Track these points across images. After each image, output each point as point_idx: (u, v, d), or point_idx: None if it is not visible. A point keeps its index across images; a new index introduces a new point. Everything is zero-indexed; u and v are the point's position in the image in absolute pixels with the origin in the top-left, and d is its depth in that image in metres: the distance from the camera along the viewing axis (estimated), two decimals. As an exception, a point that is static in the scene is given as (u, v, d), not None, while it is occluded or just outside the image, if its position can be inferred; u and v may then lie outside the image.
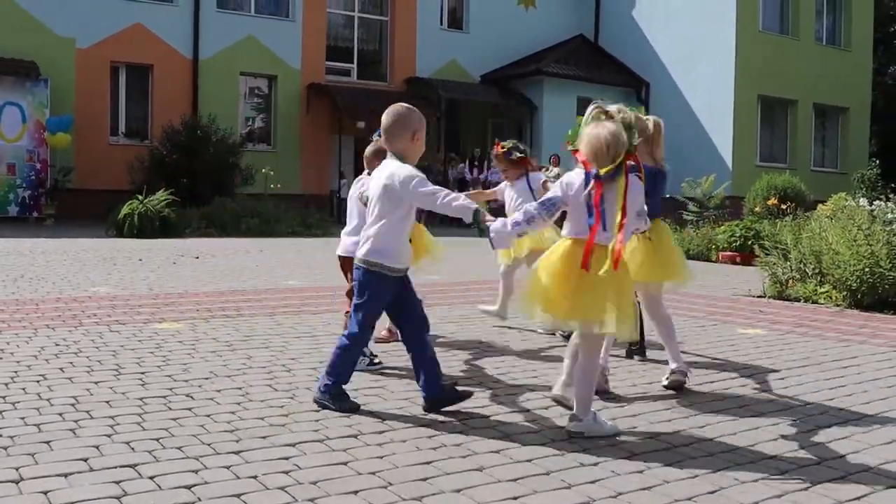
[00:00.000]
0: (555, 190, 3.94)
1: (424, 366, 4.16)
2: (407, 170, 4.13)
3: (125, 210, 15.72)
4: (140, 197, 16.11)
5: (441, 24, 26.40)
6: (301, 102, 23.75)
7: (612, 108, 4.06)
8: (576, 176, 3.87)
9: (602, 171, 3.75)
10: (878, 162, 23.08)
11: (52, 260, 10.86)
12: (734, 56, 24.33)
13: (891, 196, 11.75)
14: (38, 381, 4.51)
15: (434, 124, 25.34)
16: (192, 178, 18.79)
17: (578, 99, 26.09)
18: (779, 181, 18.21)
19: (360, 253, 4.20)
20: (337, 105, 23.08)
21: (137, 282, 8.91)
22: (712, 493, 3.13)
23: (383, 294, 4.18)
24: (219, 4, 22.94)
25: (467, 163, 24.70)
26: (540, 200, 4.01)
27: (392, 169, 4.19)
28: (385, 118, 4.39)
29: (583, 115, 4.14)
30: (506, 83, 26.34)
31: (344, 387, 4.17)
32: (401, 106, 4.42)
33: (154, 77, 22.22)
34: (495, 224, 3.90)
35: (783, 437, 3.85)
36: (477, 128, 27.49)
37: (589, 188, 3.77)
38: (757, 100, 25.25)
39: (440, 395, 4.15)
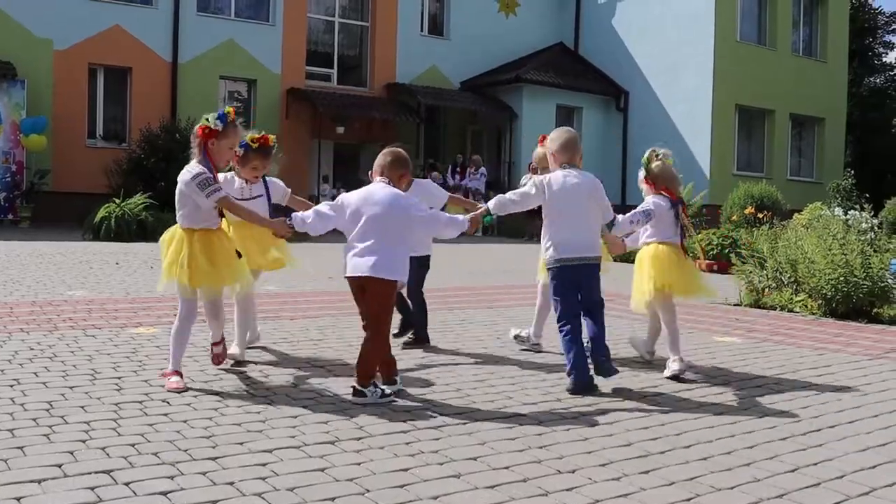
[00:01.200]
0: (648, 205, 5.57)
1: None
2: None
3: (102, 213, 15.61)
4: (117, 200, 16.00)
5: (421, 30, 26.43)
6: (281, 107, 23.69)
7: (663, 151, 5.93)
8: (661, 200, 5.60)
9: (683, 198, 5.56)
10: (852, 172, 23.30)
11: (28, 263, 10.76)
12: (712, 65, 24.51)
13: (865, 206, 11.86)
14: (11, 386, 4.47)
15: (414, 130, 25.37)
16: (171, 182, 18.64)
17: (557, 106, 26.22)
18: (756, 190, 18.36)
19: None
20: (317, 110, 23.05)
21: (114, 286, 8.85)
22: (688, 500, 3.14)
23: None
24: (199, 7, 22.85)
25: (449, 169, 24.73)
26: (643, 211, 5.53)
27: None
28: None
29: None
30: (485, 90, 26.40)
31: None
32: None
33: (133, 79, 22.09)
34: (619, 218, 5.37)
35: (758, 444, 3.87)
36: (456, 134, 27.53)
37: (678, 209, 5.61)
38: (735, 109, 25.45)
39: None
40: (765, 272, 9.14)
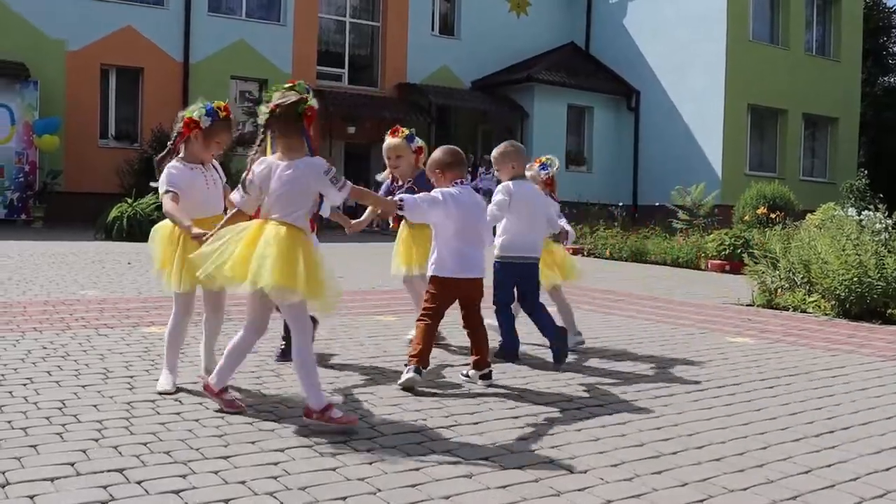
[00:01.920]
0: None
1: None
2: None
3: (114, 213, 15.66)
4: (129, 200, 16.06)
5: (432, 30, 26.42)
6: (292, 107, 23.67)
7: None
8: None
9: None
10: (866, 172, 23.18)
11: (41, 263, 10.81)
12: (724, 65, 24.42)
13: (879, 206, 11.80)
14: (24, 385, 4.48)
15: (424, 130, 25.36)
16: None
17: (569, 106, 26.17)
18: (768, 190, 18.28)
19: None
20: (328, 110, 23.06)
21: (126, 285, 8.88)
22: (701, 501, 3.13)
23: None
24: (210, 8, 22.89)
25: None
26: None
27: None
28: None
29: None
30: (496, 90, 26.37)
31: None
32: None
33: (144, 80, 22.15)
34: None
35: (771, 445, 3.85)
36: (467, 134, 27.51)
37: None
38: (747, 109, 25.35)
39: None
40: (777, 272, 9.11)
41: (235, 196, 4.18)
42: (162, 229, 4.69)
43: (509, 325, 5.72)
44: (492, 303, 5.66)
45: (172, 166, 4.66)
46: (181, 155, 4.74)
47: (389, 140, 5.89)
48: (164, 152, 4.76)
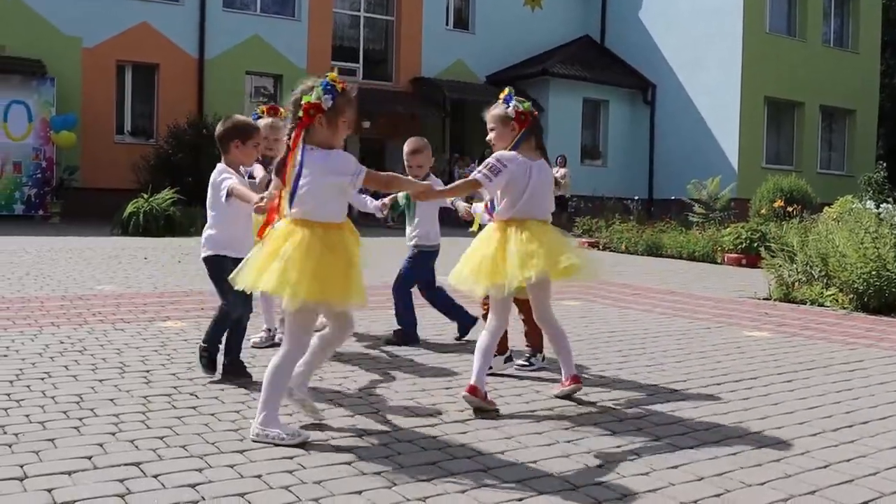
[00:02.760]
0: None
1: None
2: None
3: (130, 209, 15.73)
4: (145, 195, 16.12)
5: (447, 24, 26.39)
6: (307, 102, 23.70)
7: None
8: None
9: None
10: (885, 164, 23.00)
11: (58, 258, 10.86)
12: (741, 58, 24.28)
13: (897, 199, 11.71)
14: (42, 379, 4.51)
15: (439, 125, 25.36)
16: (198, 177, 18.80)
17: (584, 100, 26.09)
18: (785, 183, 18.16)
19: None
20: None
21: (142, 280, 8.91)
22: (718, 495, 3.11)
23: None
24: (225, 4, 22.94)
25: (476, 162, 24.66)
26: None
27: None
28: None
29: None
30: (511, 84, 25.86)
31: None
32: None
33: (160, 76, 22.22)
34: None
35: (789, 440, 3.83)
36: (482, 128, 27.23)
37: None
38: (763, 101, 25.20)
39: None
40: (795, 266, 9.05)
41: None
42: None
43: (409, 307, 6.04)
44: (396, 287, 6.09)
45: None
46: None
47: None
48: (282, 156, 3.87)
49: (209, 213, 4.80)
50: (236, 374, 4.74)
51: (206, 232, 4.80)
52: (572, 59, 26.44)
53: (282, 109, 5.54)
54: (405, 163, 6.03)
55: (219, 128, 4.87)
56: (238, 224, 4.72)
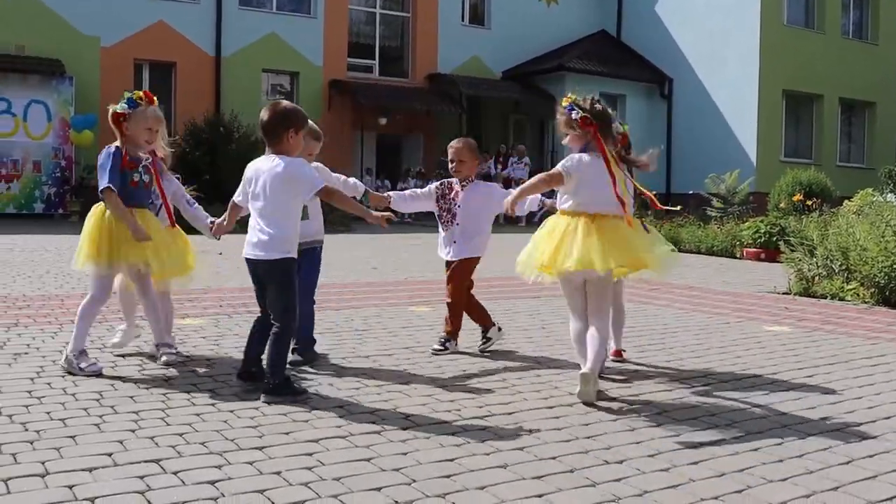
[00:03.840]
0: None
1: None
2: None
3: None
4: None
5: (462, 19, 26.36)
6: (323, 99, 23.77)
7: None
8: None
9: None
10: (905, 157, 22.83)
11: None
12: (758, 51, 24.13)
13: (919, 192, 11.61)
14: (63, 377, 4.53)
15: (455, 121, 25.33)
16: (215, 175, 18.88)
17: (601, 95, 25.95)
18: (804, 177, 18.04)
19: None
20: (359, 101, 23.11)
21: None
22: (739, 492, 3.09)
23: None
24: (241, 2, 23.00)
25: (493, 159, 24.63)
26: None
27: None
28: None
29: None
30: (528, 79, 26.24)
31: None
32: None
33: (177, 74, 22.32)
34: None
35: (810, 435, 3.79)
36: (498, 124, 27.43)
37: None
38: (782, 95, 25.04)
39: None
40: (815, 260, 8.98)
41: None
42: None
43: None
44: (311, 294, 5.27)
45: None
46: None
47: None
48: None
49: (268, 210, 4.32)
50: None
51: (269, 231, 4.29)
52: (588, 54, 26.35)
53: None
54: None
55: (266, 115, 4.39)
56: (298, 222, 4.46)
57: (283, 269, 4.29)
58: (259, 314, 4.51)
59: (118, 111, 4.81)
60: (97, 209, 4.88)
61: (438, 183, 5.71)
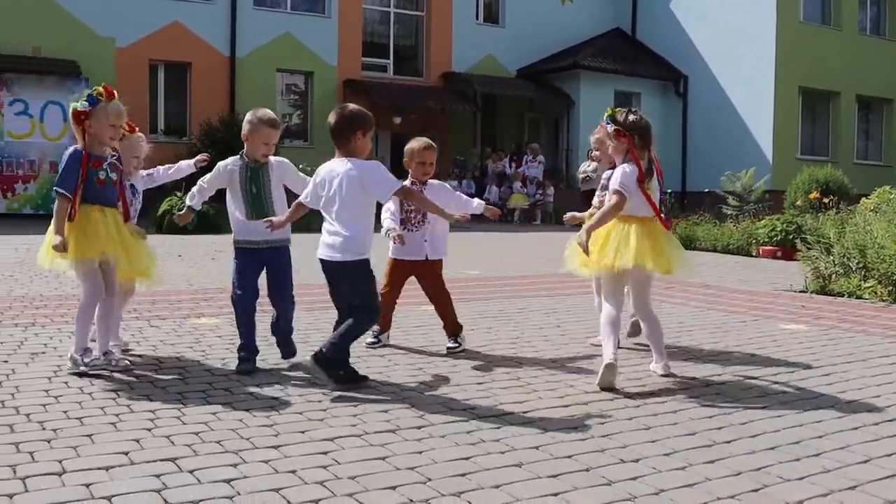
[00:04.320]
0: None
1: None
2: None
3: (164, 206, 15.85)
4: (179, 193, 16.23)
5: (477, 18, 26.34)
6: (337, 99, 23.78)
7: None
8: None
9: None
10: (923, 154, 22.68)
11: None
12: (774, 48, 24.02)
13: (937, 189, 11.53)
14: (80, 375, 4.56)
15: (470, 119, 25.33)
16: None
17: (616, 93, 25.92)
18: (821, 174, 17.93)
19: None
20: (373, 101, 23.11)
21: (177, 277, 8.98)
22: (755, 490, 3.07)
23: None
24: (255, 2, 23.07)
25: (507, 158, 24.61)
26: None
27: None
28: None
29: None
30: (542, 77, 26.21)
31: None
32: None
33: (192, 75, 22.40)
34: None
35: (828, 434, 3.77)
36: (513, 122, 27.40)
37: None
38: (798, 92, 24.91)
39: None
40: (831, 258, 8.93)
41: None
42: None
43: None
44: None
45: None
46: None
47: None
48: None
49: (344, 212, 4.42)
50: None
51: (345, 234, 4.40)
52: (603, 52, 26.30)
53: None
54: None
55: (335, 118, 4.57)
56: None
57: (360, 269, 4.43)
58: (338, 315, 4.68)
59: (79, 109, 4.69)
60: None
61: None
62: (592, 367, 5.07)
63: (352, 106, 4.67)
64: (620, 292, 4.87)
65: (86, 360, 4.61)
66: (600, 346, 5.18)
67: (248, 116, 4.99)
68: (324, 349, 4.34)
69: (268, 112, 5.00)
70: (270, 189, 5.00)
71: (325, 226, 4.52)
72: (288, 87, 24.29)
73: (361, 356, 5.26)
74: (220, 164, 5.06)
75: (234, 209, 4.99)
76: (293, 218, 4.81)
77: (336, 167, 4.51)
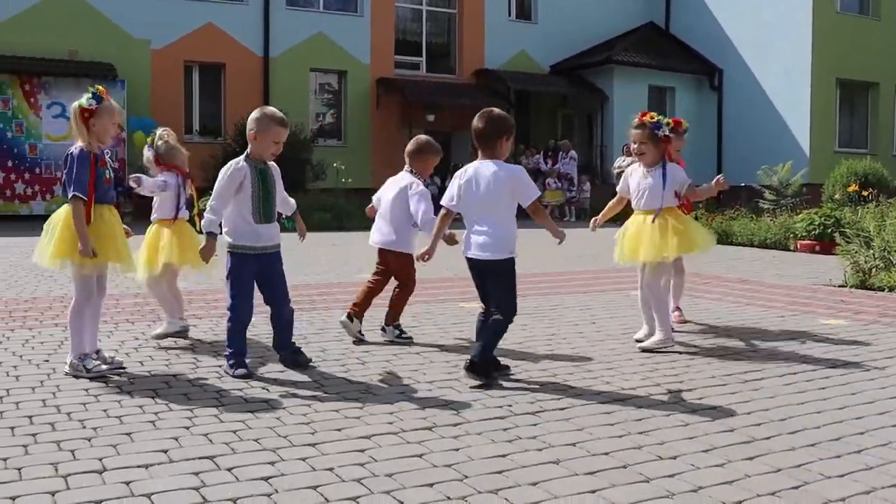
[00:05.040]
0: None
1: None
2: None
3: (199, 206, 15.97)
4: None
5: (509, 14, 26.26)
6: (370, 97, 23.87)
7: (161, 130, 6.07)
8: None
9: None
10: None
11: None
12: (811, 39, 23.69)
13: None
14: (119, 375, 4.61)
15: (503, 116, 25.23)
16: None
17: (650, 88, 25.74)
18: (859, 167, 17.67)
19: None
20: (406, 99, 23.16)
21: (213, 276, 9.03)
22: (796, 488, 3.04)
23: None
24: (288, 2, 23.16)
25: (542, 154, 24.52)
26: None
27: None
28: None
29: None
30: (575, 73, 26.08)
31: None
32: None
33: (226, 75, 22.56)
34: None
35: (869, 430, 3.72)
36: (547, 119, 27.29)
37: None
38: (835, 83, 24.56)
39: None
40: (871, 252, 8.80)
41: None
42: None
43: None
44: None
45: None
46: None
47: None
48: None
49: (494, 213, 4.56)
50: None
51: (495, 234, 4.54)
52: (636, 47, 26.11)
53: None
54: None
55: (482, 123, 4.66)
56: None
57: (509, 267, 4.58)
58: (482, 310, 4.78)
59: (86, 106, 4.62)
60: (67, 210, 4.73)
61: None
62: (629, 364, 5.04)
63: (496, 111, 4.76)
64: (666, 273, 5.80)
65: (88, 365, 4.56)
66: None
67: (255, 115, 4.89)
68: (475, 358, 4.47)
69: (276, 110, 4.97)
70: (276, 191, 4.97)
71: (471, 226, 4.65)
72: (321, 86, 24.38)
73: (397, 354, 5.27)
74: (232, 168, 4.85)
75: (239, 212, 4.81)
76: (444, 230, 4.89)
77: (483, 169, 4.64)
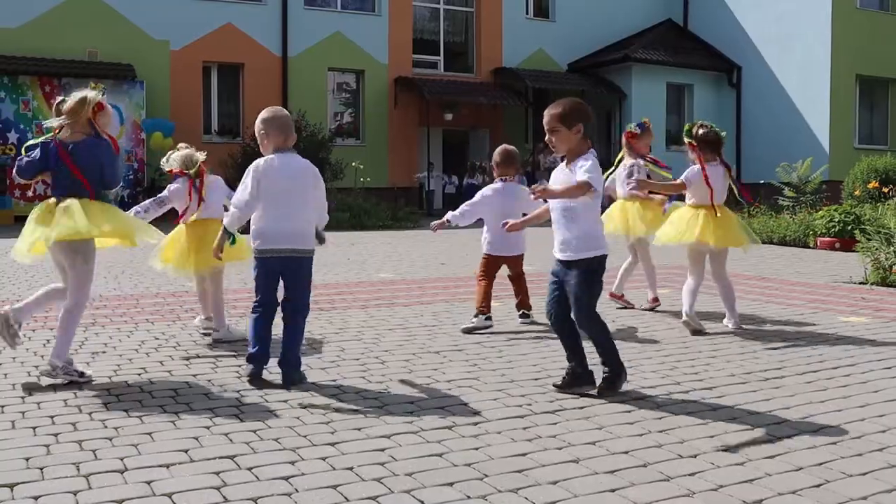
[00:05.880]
0: None
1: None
2: None
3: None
4: (233, 193, 16.45)
5: (527, 13, 26.23)
6: (389, 96, 23.90)
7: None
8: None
9: None
10: None
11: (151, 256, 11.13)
12: (830, 35, 23.52)
13: None
14: (139, 374, 4.65)
15: (522, 114, 25.24)
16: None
17: (668, 85, 25.63)
18: (880, 163, 17.52)
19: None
20: (424, 98, 23.17)
21: (232, 276, 9.08)
22: (817, 486, 3.02)
23: None
24: (306, 2, 23.23)
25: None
26: None
27: None
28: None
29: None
30: (593, 71, 26.00)
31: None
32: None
33: (244, 75, 22.65)
34: None
35: (891, 429, 3.69)
36: (564, 117, 27.18)
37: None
38: (855, 80, 24.37)
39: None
40: (892, 249, 8.73)
41: None
42: None
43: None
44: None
45: None
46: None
47: None
48: None
49: (575, 209, 4.40)
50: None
51: (579, 231, 4.34)
52: (654, 44, 26.01)
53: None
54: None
55: (558, 111, 4.63)
56: None
57: (597, 266, 4.35)
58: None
59: (100, 100, 4.75)
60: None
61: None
62: (649, 362, 5.03)
63: (574, 99, 4.81)
64: (699, 264, 6.15)
65: (68, 370, 4.42)
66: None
67: (264, 115, 4.72)
68: (605, 372, 4.29)
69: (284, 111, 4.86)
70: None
71: (555, 225, 4.47)
72: (339, 85, 24.43)
73: (416, 353, 5.28)
74: (260, 165, 4.65)
75: (264, 214, 4.66)
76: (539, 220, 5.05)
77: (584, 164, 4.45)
